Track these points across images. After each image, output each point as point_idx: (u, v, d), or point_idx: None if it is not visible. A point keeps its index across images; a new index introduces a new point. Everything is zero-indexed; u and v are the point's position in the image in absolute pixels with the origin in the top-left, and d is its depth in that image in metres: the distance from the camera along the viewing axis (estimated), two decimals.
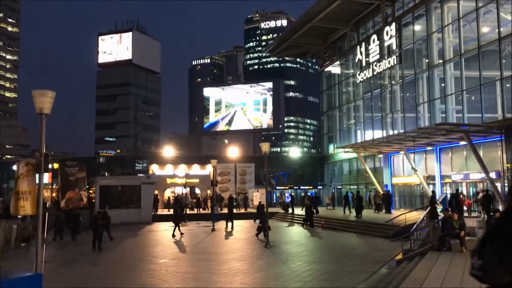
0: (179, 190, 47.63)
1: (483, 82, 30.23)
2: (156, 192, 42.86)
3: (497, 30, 29.08)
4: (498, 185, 28.18)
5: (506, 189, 27.94)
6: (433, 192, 30.55)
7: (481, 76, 30.22)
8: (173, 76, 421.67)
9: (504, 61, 28.87)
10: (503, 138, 27.77)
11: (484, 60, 30.39)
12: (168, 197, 47.85)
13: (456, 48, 33.41)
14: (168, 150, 53.38)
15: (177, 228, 25.88)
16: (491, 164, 28.46)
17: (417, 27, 37.54)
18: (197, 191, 47.63)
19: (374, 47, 39.93)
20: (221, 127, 72.50)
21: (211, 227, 29.64)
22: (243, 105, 68.76)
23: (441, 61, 34.48)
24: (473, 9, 31.11)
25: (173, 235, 25.46)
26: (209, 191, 45.28)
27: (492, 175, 28.09)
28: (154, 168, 47.86)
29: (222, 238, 25.62)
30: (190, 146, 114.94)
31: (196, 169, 48.12)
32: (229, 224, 30.46)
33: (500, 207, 26.02)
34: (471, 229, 16.49)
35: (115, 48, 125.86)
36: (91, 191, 39.50)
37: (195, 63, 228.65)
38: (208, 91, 71.39)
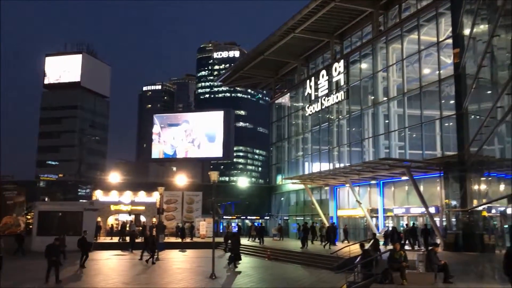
0: (124, 218, 46.26)
1: (424, 120, 31.67)
2: (99, 219, 41.40)
3: (437, 72, 30.74)
4: (437, 219, 29.27)
5: (444, 223, 29.10)
6: (394, 227, 31.22)
7: (422, 114, 31.67)
8: (123, 101, 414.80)
9: (443, 101, 30.42)
10: (442, 174, 29.05)
11: (425, 99, 31.88)
12: (112, 225, 46.33)
13: (399, 87, 35.01)
14: (114, 176, 51.95)
15: (154, 255, 26.28)
16: (431, 199, 29.61)
17: (364, 65, 39.12)
18: (142, 218, 46.43)
19: (323, 82, 41.14)
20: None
21: (156, 256, 28.80)
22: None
23: (385, 98, 35.92)
24: (416, 51, 32.86)
25: (153, 262, 25.92)
26: (154, 219, 44.25)
27: (431, 209, 29.17)
28: (98, 194, 46.31)
29: (166, 268, 24.97)
30: (137, 173, 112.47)
31: (142, 196, 46.99)
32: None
33: (438, 241, 26.98)
34: (411, 262, 16.96)
35: (63, 69, 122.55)
36: (29, 217, 37.67)
37: (146, 89, 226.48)
38: (158, 118, 70.51)
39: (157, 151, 64.43)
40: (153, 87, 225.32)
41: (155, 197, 45.06)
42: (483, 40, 19.85)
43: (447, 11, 30.36)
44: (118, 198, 46.28)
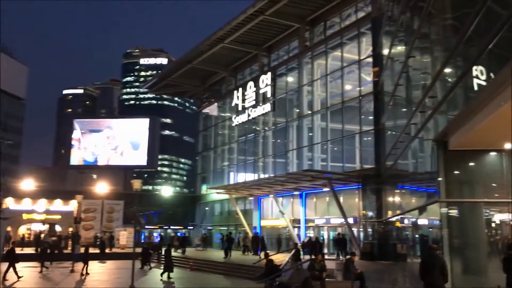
0: (37, 227, 43.67)
1: (345, 134, 33.07)
2: (9, 228, 38.70)
3: (358, 88, 32.16)
4: (355, 229, 30.45)
5: (362, 233, 30.31)
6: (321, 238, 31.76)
7: (344, 128, 33.02)
8: (41, 104, 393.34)
9: (363, 116, 31.78)
10: (360, 186, 30.29)
11: (347, 114, 33.16)
12: (23, 235, 43.52)
13: (323, 101, 36.25)
14: (28, 183, 48.86)
15: (85, 267, 25.26)
16: (350, 210, 30.74)
17: (290, 79, 40.13)
18: (58, 228, 44.07)
19: (250, 93, 41.55)
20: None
21: (70, 268, 27.39)
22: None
23: (309, 112, 36.97)
24: (339, 67, 34.30)
25: (87, 273, 24.97)
26: (71, 229, 42.12)
27: (350, 220, 30.30)
28: (9, 202, 43.32)
29: (81, 280, 23.80)
30: (54, 180, 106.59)
31: (58, 204, 44.65)
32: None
33: (356, 251, 28.03)
34: (330, 271, 17.48)
35: None
36: None
37: (66, 92, 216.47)
38: (78, 123, 67.76)
39: (76, 158, 61.88)
40: (74, 91, 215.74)
41: (72, 205, 43.00)
42: (400, 61, 21.05)
43: (368, 31, 31.95)
44: (32, 206, 43.64)
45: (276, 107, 39.54)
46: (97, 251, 38.11)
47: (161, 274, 24.13)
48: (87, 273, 25.13)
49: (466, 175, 13.94)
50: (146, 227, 51.78)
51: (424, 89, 15.87)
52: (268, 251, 22.54)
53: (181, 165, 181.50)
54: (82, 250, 26.17)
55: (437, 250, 11.11)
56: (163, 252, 36.77)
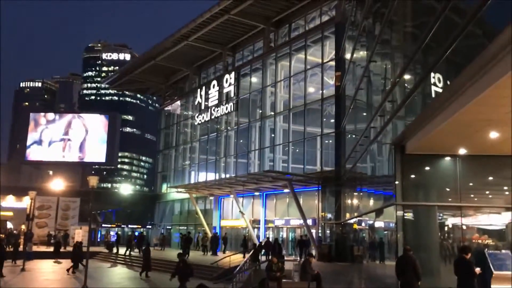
0: None
1: (307, 136, 33.36)
2: None
3: (320, 91, 32.46)
4: (314, 231, 30.70)
5: (320, 234, 30.60)
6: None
7: (305, 130, 33.30)
8: None
9: (324, 119, 32.20)
10: (319, 188, 30.59)
11: (309, 116, 33.49)
12: None
13: (286, 103, 36.44)
14: None
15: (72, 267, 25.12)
16: (309, 212, 30.98)
17: (254, 79, 40.11)
18: (9, 225, 42.50)
19: (213, 92, 41.37)
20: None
21: (21, 266, 26.40)
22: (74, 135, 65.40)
23: (272, 113, 37.11)
24: (302, 70, 34.51)
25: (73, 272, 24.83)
26: (23, 226, 40.69)
27: (309, 221, 30.52)
28: None
29: (32, 279, 22.98)
30: (9, 175, 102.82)
31: (10, 200, 43.08)
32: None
33: (314, 252, 28.27)
34: (288, 272, 17.52)
35: None
36: None
37: (24, 85, 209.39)
38: (35, 117, 65.51)
39: (32, 153, 59.72)
40: (32, 84, 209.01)
41: (25, 202, 41.50)
42: (361, 65, 21.35)
43: (332, 35, 32.33)
44: None
45: (239, 107, 39.51)
46: (51, 250, 36.85)
47: (140, 273, 24.66)
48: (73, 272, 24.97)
49: (421, 179, 14.27)
50: (104, 225, 50.68)
51: (383, 94, 16.15)
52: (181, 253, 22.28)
53: (142, 163, 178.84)
54: (36, 248, 25.32)
55: (410, 251, 11.40)
56: (118, 251, 36.53)
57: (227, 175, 39.22)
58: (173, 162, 49.63)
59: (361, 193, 23.24)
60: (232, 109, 39.47)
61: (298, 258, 27.86)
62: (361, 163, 21.49)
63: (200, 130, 44.89)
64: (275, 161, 36.70)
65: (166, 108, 52.50)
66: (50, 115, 62.64)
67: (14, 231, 41.00)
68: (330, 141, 31.86)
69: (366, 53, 20.14)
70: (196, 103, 43.77)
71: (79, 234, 41.29)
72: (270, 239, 32.06)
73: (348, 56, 26.97)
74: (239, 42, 41.27)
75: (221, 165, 41.76)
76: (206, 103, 41.96)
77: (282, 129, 36.82)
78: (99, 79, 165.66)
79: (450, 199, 14.01)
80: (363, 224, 23.86)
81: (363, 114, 21.80)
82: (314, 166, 33.81)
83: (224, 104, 40.01)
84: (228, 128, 41.44)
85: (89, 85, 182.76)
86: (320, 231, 30.84)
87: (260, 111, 38.58)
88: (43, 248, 37.97)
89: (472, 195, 14.11)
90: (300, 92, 35.37)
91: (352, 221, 26.48)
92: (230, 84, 39.71)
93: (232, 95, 39.34)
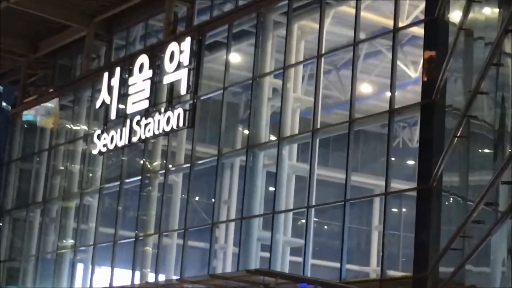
0: None
1: (353, 194, 19.19)
2: None
3: (386, 93, 19.23)
4: None
5: None
6: None
7: (348, 181, 18.29)
8: None
9: (394, 159, 20.04)
10: None
11: (358, 148, 22.50)
12: None
13: (306, 115, 21.81)
14: None
15: None
16: None
17: (235, 57, 22.22)
18: None
19: (139, 81, 21.03)
20: None
21: None
22: None
23: (274, 137, 20.54)
24: (347, 44, 18.89)
25: None
26: None
27: None
28: None
29: None
30: None
31: None
32: None
33: None
34: None
35: None
36: None
37: None
38: None
39: None
40: None
41: None
42: (486, 39, 10.41)
43: None
44: None
45: (196, 120, 20.52)
46: None
47: None
48: None
49: None
50: None
51: None
52: None
53: None
54: None
55: None
56: None
57: (161, 277, 20.10)
58: (34, 242, 24.93)
59: None
60: (182, 124, 19.36)
61: None
62: (476, 263, 9.26)
63: (104, 168, 23.06)
64: (274, 248, 18.48)
65: (25, 114, 27.27)
66: None
67: None
68: (405, 208, 21.31)
69: (498, 12, 8.95)
70: (98, 105, 22.26)
71: None
72: None
73: (455, 16, 13.02)
74: None
75: (147, 253, 20.87)
76: (121, 106, 21.01)
77: (294, 173, 19.00)
78: None
79: None
80: None
81: (484, 151, 9.99)
82: (364, 266, 23.51)
83: (163, 111, 19.91)
84: (171, 167, 20.62)
85: None
86: None
87: (247, 133, 20.27)
88: None
89: None
90: (338, 92, 22.35)
91: None
92: (179, 65, 19.25)
93: (182, 90, 19.40)
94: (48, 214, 25.12)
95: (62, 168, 24.57)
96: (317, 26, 17.22)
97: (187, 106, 18.97)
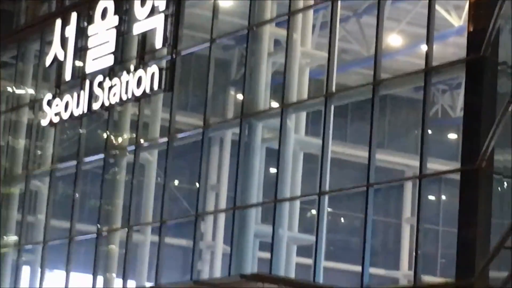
0: None
1: (379, 176, 20.55)
2: None
3: (422, 46, 19.87)
4: None
5: None
6: None
7: (371, 161, 17.95)
8: None
9: (430, 131, 21.75)
10: None
11: (385, 117, 25.19)
12: None
13: (317, 75, 21.66)
14: None
15: None
16: None
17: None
18: None
19: (101, 30, 20.89)
20: None
21: None
22: None
23: (276, 104, 20.59)
24: None
25: None
26: None
27: None
28: None
29: None
30: None
31: None
32: None
33: None
34: None
35: None
36: None
37: None
38: None
39: None
40: None
41: None
42: None
43: None
44: None
45: (175, 82, 19.52)
46: None
47: None
48: None
49: None
50: None
51: None
52: None
53: None
54: None
55: None
56: None
57: (131, 284, 18.81)
58: None
59: None
60: (157, 86, 17.86)
61: None
62: None
63: (56, 144, 21.71)
64: (276, 247, 17.13)
65: None
66: None
67: None
68: (445, 195, 21.07)
69: None
70: (49, 62, 20.84)
71: None
72: None
73: None
74: None
75: (113, 254, 19.39)
76: (78, 63, 19.76)
77: (301, 150, 17.77)
78: None
79: None
80: None
81: None
82: (393, 270, 22.62)
83: (132, 69, 18.32)
84: (143, 142, 19.23)
85: None
86: None
87: (241, 98, 18.97)
88: None
89: None
90: (359, 46, 20.36)
91: None
92: (153, 10, 17.75)
93: (158, 42, 17.90)
94: None
95: (2, 144, 23.15)
96: None
97: (163, 64, 17.10)
